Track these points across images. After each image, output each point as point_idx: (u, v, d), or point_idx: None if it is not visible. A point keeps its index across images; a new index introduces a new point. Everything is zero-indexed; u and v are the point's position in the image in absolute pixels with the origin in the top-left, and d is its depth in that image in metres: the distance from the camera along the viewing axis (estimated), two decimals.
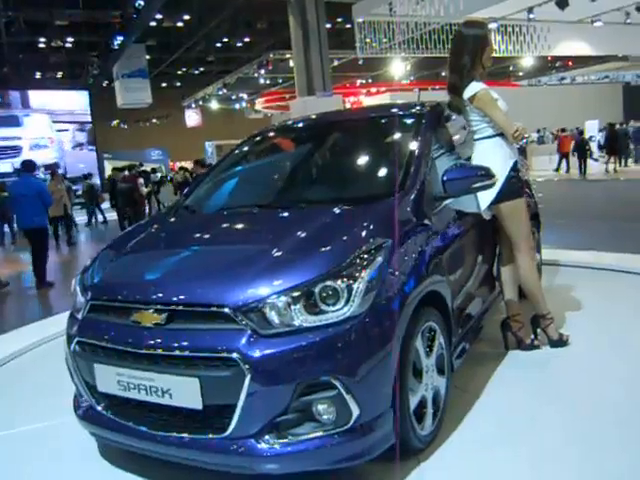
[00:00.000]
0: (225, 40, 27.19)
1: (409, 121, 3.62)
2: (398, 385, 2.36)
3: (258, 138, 4.22)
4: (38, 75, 30.07)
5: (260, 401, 2.16)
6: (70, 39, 23.73)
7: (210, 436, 2.25)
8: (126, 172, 15.37)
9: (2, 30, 21.28)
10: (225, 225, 3.18)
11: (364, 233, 2.58)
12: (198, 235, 3.11)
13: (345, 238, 2.55)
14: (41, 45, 24.19)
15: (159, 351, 2.30)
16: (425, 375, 2.63)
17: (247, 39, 27.60)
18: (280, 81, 30.17)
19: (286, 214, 3.09)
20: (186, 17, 23.10)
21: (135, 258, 2.97)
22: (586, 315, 4.31)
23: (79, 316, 2.71)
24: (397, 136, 3.64)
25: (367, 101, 28.39)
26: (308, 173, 3.84)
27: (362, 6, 16.78)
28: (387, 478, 2.50)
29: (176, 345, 2.27)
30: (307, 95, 15.16)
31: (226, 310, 2.24)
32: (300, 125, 4.28)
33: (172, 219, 3.54)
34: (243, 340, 2.19)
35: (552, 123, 27.51)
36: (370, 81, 33.29)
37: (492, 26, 19.01)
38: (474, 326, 3.52)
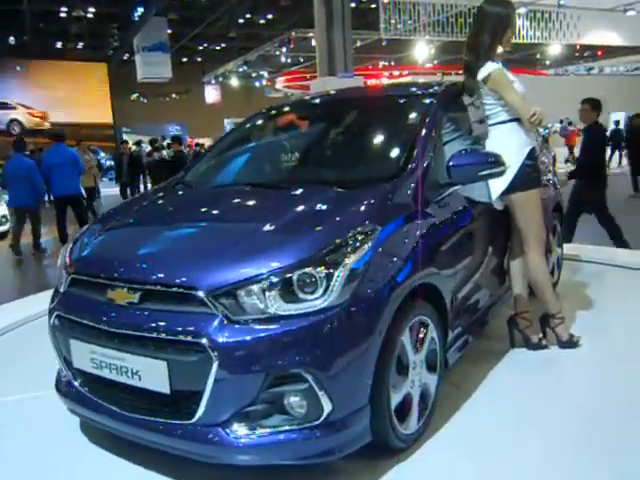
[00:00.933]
0: (248, 16, 26.92)
1: (419, 101, 3.46)
2: (377, 381, 2.26)
3: (262, 115, 4.13)
4: (59, 45, 29.99)
5: (228, 389, 2.10)
6: (92, 9, 23.56)
7: (177, 421, 2.19)
8: (141, 145, 15.25)
9: None
10: (213, 203, 3.04)
11: (354, 218, 2.45)
12: (184, 212, 3.02)
13: (332, 222, 2.43)
14: (62, 15, 24.07)
15: (130, 331, 2.25)
16: (412, 371, 2.51)
17: (270, 16, 27.32)
18: (302, 60, 29.81)
19: (276, 194, 2.96)
20: None
21: (119, 233, 2.90)
22: (600, 315, 4.13)
23: (61, 289, 2.68)
24: (403, 117, 3.45)
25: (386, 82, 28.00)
26: (307, 153, 3.73)
27: None
28: (363, 476, 2.38)
29: (147, 326, 2.21)
30: (328, 75, 14.89)
31: (198, 293, 2.16)
32: (304, 103, 4.18)
33: (165, 194, 3.42)
34: (213, 325, 2.10)
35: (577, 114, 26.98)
36: (393, 63, 32.82)
37: (521, 11, 18.56)
38: (479, 319, 3.36)
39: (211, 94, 35.74)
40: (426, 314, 2.60)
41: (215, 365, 2.05)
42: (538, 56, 34.55)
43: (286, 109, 4.23)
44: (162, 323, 2.19)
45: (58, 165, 8.84)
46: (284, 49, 25.64)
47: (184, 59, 34.68)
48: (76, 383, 2.55)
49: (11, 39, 27.35)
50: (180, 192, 3.43)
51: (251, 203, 2.98)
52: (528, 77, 29.63)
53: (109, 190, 18.57)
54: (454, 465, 2.45)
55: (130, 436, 2.39)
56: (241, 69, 31.42)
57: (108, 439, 2.63)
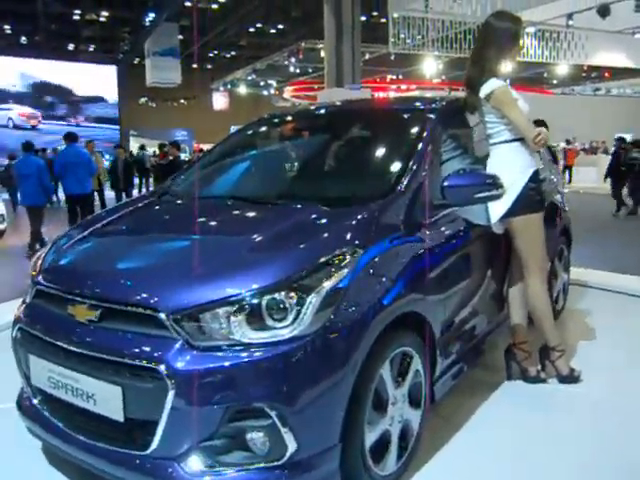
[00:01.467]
0: (259, 25, 27.08)
1: (416, 117, 3.25)
2: (350, 418, 2.11)
3: (253, 126, 3.99)
4: (71, 47, 30.24)
5: (185, 420, 1.94)
6: (104, 13, 23.76)
7: (131, 452, 2.04)
8: (145, 150, 15.16)
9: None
10: (189, 217, 2.83)
11: (334, 240, 2.29)
12: (157, 226, 2.90)
13: (309, 244, 2.26)
14: (75, 17, 24.27)
15: (87, 351, 2.11)
16: (391, 407, 2.34)
17: (281, 26, 27.47)
18: (310, 70, 29.93)
19: (256, 210, 2.80)
20: None
21: (87, 245, 2.73)
22: (604, 346, 3.96)
23: (27, 300, 2.57)
24: (398, 133, 3.25)
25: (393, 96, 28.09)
26: (295, 167, 3.59)
27: (399, 1, 16.51)
28: None
29: (104, 347, 2.08)
30: (336, 87, 14.96)
31: (159, 315, 2.02)
32: (297, 116, 4.04)
33: (144, 205, 3.24)
34: (172, 350, 1.96)
35: (583, 134, 27.08)
36: (401, 77, 32.95)
37: (530, 30, 18.65)
38: (474, 348, 3.21)
39: (219, 101, 35.90)
40: (410, 345, 2.43)
41: (171, 394, 1.91)
42: (545, 75, 34.67)
43: (278, 121, 4.06)
44: (119, 345, 2.05)
45: (72, 165, 9.01)
46: (293, 59, 25.80)
47: (194, 65, 34.88)
48: (35, 401, 2.41)
49: (23, 39, 27.63)
50: (159, 203, 3.25)
51: (228, 219, 2.79)
52: (534, 95, 29.71)
53: (110, 194, 18.48)
54: None
55: (86, 464, 2.22)
56: (250, 77, 31.60)
57: (74, 469, 2.44)
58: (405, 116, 3.41)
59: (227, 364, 1.94)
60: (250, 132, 3.99)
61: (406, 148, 2.96)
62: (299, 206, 2.70)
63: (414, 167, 2.79)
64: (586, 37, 20.03)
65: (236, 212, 2.87)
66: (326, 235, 2.35)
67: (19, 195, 9.34)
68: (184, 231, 2.71)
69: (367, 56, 23.61)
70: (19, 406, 2.56)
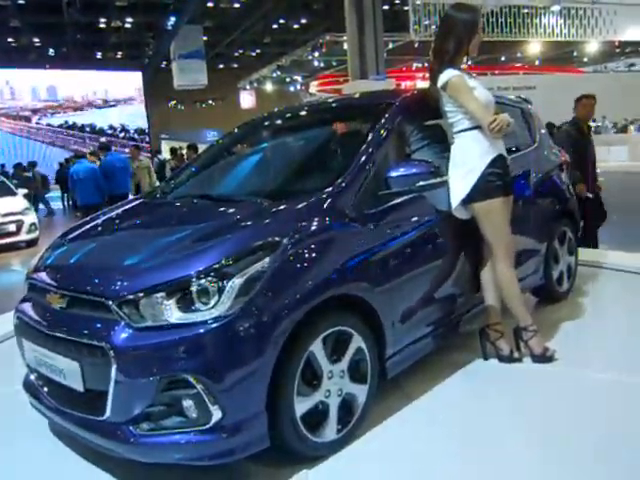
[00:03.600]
0: (282, 22, 27.20)
1: (366, 113, 3.47)
2: (276, 389, 2.33)
3: (235, 130, 4.29)
4: (99, 55, 30.86)
5: (127, 390, 2.25)
6: (128, 19, 24.18)
7: (93, 417, 2.36)
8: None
9: (64, 10, 21.83)
10: (155, 215, 3.31)
11: (260, 230, 2.53)
12: (127, 224, 3.26)
13: (238, 235, 2.53)
14: (101, 25, 24.76)
15: (57, 333, 2.47)
16: (327, 381, 2.52)
17: (304, 20, 27.52)
18: (334, 64, 29.95)
19: (207, 207, 3.10)
20: None
21: (68, 244, 3.10)
22: (592, 326, 3.93)
23: (25, 293, 2.95)
24: (347, 130, 3.58)
25: (420, 85, 27.82)
26: (256, 166, 3.94)
27: None
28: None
29: (67, 329, 2.43)
30: (360, 78, 14.99)
31: (105, 301, 2.35)
32: (268, 119, 4.23)
33: (129, 205, 3.59)
34: (115, 331, 2.27)
35: (615, 111, 26.41)
36: (426, 65, 32.68)
37: (554, 9, 18.35)
38: (442, 328, 3.29)
39: (246, 99, 36.12)
40: (348, 325, 2.60)
41: (114, 367, 2.22)
42: (575, 54, 33.95)
43: (252, 124, 4.26)
44: (78, 327, 2.40)
45: (118, 169, 10.25)
46: (316, 53, 25.85)
47: (220, 65, 35.19)
48: (32, 377, 2.78)
49: (51, 51, 28.35)
50: (136, 204, 3.61)
51: (180, 216, 3.15)
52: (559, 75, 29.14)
53: None
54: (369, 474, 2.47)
55: (69, 431, 2.55)
56: (275, 74, 31.76)
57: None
58: (356, 113, 3.68)
59: (157, 342, 2.23)
60: (221, 142, 4.37)
61: (353, 143, 3.11)
62: (245, 201, 3.01)
63: (358, 161, 2.93)
64: (615, 12, 19.57)
65: (192, 209, 3.19)
66: (257, 226, 2.59)
67: (78, 196, 10.31)
68: (141, 230, 3.15)
69: (391, 45, 23.48)
70: (24, 384, 2.89)
